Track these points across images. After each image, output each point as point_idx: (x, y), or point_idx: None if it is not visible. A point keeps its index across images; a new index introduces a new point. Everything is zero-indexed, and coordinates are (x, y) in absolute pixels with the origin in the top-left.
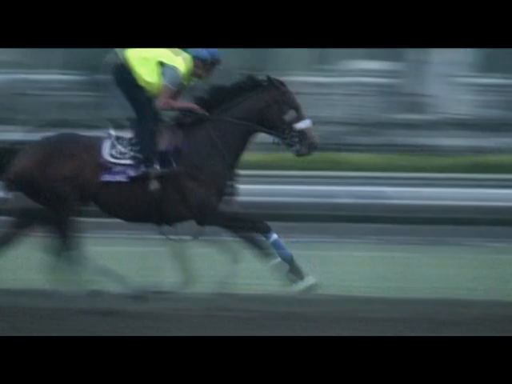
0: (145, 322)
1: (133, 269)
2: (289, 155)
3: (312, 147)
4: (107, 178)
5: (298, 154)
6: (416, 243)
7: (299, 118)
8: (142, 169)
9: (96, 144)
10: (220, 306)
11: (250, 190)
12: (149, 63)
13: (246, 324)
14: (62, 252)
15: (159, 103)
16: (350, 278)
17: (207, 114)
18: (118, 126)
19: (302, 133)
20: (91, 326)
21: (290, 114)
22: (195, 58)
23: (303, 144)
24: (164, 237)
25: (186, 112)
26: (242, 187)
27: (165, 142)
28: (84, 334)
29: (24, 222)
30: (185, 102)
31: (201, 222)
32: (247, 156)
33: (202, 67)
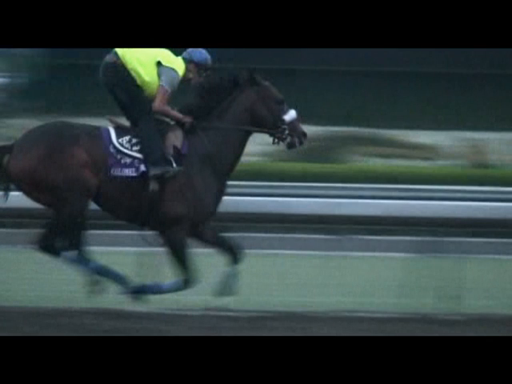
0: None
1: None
2: None
3: (303, 138)
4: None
5: (291, 147)
6: None
7: (285, 111)
8: (157, 168)
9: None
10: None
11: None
12: (147, 63)
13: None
14: (62, 251)
15: (154, 105)
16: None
17: (198, 123)
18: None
19: (292, 124)
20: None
21: (276, 108)
22: (189, 62)
23: (294, 136)
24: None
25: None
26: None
27: (170, 141)
28: (84, 334)
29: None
30: (177, 113)
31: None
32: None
33: (194, 71)
